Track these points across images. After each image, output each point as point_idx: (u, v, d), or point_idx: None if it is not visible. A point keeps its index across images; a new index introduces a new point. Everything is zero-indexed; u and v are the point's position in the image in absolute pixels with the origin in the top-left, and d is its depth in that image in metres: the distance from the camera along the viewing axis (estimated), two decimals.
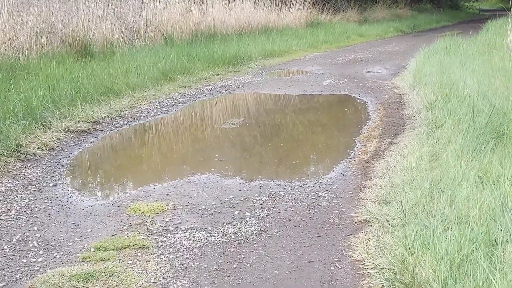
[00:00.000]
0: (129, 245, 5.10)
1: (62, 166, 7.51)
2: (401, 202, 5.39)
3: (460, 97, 9.36)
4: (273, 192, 6.48)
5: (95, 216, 5.86)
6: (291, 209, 5.97)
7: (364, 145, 8.32)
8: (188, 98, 11.97)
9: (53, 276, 4.51)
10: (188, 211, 5.91)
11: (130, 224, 5.59)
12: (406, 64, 15.94)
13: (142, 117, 10.24)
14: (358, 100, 11.79)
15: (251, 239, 5.25)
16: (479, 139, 6.96)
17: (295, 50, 20.37)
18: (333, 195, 6.36)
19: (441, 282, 4.00)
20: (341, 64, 17.33)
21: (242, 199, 6.28)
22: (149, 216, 5.78)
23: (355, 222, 5.57)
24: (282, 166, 7.64)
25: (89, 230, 5.50)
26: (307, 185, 6.72)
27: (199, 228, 5.49)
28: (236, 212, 5.89)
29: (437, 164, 6.62)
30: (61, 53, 13.10)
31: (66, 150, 8.17)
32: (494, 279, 3.81)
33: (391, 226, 5.11)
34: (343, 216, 5.77)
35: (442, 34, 21.90)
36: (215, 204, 6.13)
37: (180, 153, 8.36)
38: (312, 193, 6.44)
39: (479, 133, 7.10)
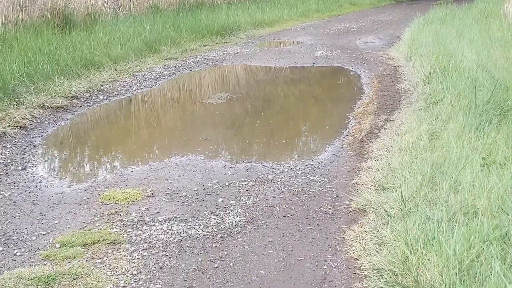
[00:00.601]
0: (99, 240, 4.57)
1: (34, 146, 6.97)
2: (401, 189, 4.90)
3: (459, 69, 8.86)
4: (260, 176, 5.97)
5: (64, 204, 5.33)
6: (280, 196, 5.46)
7: (359, 122, 7.81)
8: (173, 71, 11.42)
9: (10, 279, 3.98)
10: (167, 199, 5.40)
11: (102, 214, 5.07)
12: (401, 34, 15.40)
13: (123, 92, 9.68)
14: (351, 73, 11.26)
15: (235, 232, 4.74)
16: (482, 117, 6.46)
17: (286, 19, 19.75)
18: (325, 179, 5.85)
19: (449, 287, 3.51)
20: (333, 34, 16.75)
21: (226, 184, 5.76)
22: (124, 204, 5.26)
23: (350, 211, 5.07)
24: (271, 146, 7.14)
25: (57, 221, 4.98)
26: (298, 168, 6.21)
27: (178, 219, 4.97)
28: (220, 199, 5.38)
29: (438, 144, 6.14)
30: (39, 23, 12.49)
31: (39, 128, 7.63)
32: (510, 284, 3.32)
33: (390, 217, 4.61)
34: (336, 204, 5.26)
35: (436, 3, 21.24)
36: (197, 190, 5.61)
37: (162, 132, 7.82)
38: (303, 177, 5.93)
39: (482, 110, 6.60)
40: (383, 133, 7.03)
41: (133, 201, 5.33)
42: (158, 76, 10.90)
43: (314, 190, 5.58)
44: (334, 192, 5.53)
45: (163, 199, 5.38)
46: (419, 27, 14.76)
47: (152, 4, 16.84)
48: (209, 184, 5.74)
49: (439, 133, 6.50)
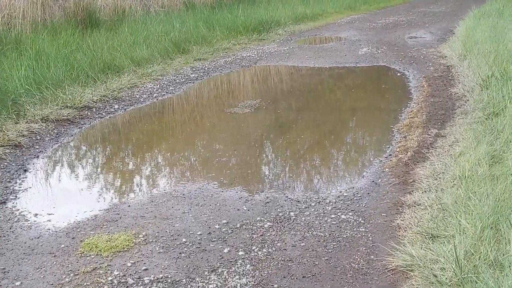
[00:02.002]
0: None
1: (25, 171, 6.00)
2: (454, 243, 3.79)
3: None
4: (281, 214, 4.89)
5: (36, 255, 4.33)
6: (302, 244, 4.37)
7: (404, 137, 6.69)
8: (202, 73, 10.40)
9: None
10: (162, 248, 4.36)
11: (76, 272, 4.05)
12: (454, 28, 14.15)
13: (142, 100, 8.69)
14: (398, 74, 10.10)
15: None
16: None
17: (330, 12, 18.61)
18: (360, 219, 4.75)
19: None
20: (380, 29, 15.57)
21: (238, 225, 4.70)
22: (107, 257, 4.23)
23: (388, 270, 3.96)
24: (300, 170, 6.06)
25: (19, 283, 3.97)
26: (328, 201, 5.13)
27: (169, 281, 3.92)
28: (226, 250, 4.31)
29: (500, 171, 5.01)
30: (60, 23, 11.57)
31: (37, 147, 6.67)
32: None
33: (440, 284, 3.50)
34: (372, 257, 4.16)
35: None
36: (201, 234, 4.56)
37: (174, 151, 6.79)
38: (333, 215, 4.84)
39: None
40: (433, 154, 5.91)
41: (119, 252, 4.30)
42: (183, 80, 9.89)
43: (345, 236, 4.49)
44: (370, 239, 4.43)
45: (157, 249, 4.34)
46: (475, 20, 13.51)
47: (186, 0, 15.80)
48: (217, 226, 4.69)
49: (501, 156, 5.37)
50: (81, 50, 10.11)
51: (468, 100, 7.73)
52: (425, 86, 8.99)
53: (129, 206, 5.14)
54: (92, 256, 4.25)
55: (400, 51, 12.03)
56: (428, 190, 5.06)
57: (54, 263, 4.19)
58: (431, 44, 12.78)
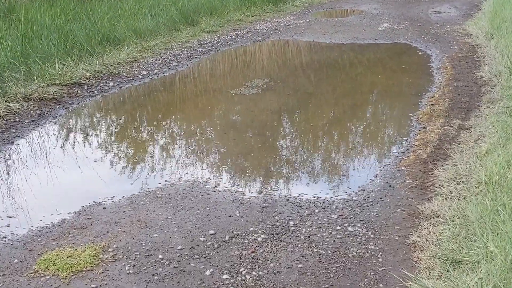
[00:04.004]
0: None
1: None
2: (480, 277, 3.07)
3: None
4: (278, 223, 4.18)
5: None
6: (299, 266, 3.66)
7: (424, 128, 5.96)
8: (210, 48, 9.66)
9: None
10: (133, 268, 3.65)
11: None
12: (480, 2, 13.31)
13: (141, 76, 7.98)
14: (420, 53, 9.32)
15: None
16: None
17: None
18: (369, 233, 4.03)
19: None
20: (403, 2, 14.74)
21: (227, 238, 3.99)
22: (64, 279, 3.54)
23: None
24: (305, 166, 5.35)
25: None
26: (334, 207, 4.42)
27: None
28: (209, 271, 3.60)
29: None
30: None
31: (13, 130, 5.99)
32: None
33: None
34: (380, 286, 3.43)
35: None
36: (181, 249, 3.86)
37: (165, 141, 6.08)
38: (339, 227, 4.12)
39: None
40: (455, 151, 5.17)
41: (80, 272, 3.60)
42: (189, 54, 9.17)
43: (350, 255, 3.77)
44: (380, 260, 3.71)
45: (126, 268, 3.64)
46: None
47: None
48: (202, 238, 3.99)
49: None
50: (79, 20, 9.38)
51: (495, 86, 6.97)
52: (448, 67, 8.22)
53: (105, 208, 4.45)
54: (47, 277, 3.55)
55: (423, 28, 11.22)
56: (450, 197, 4.35)
57: (1, 285, 3.50)
58: (456, 21, 11.94)
